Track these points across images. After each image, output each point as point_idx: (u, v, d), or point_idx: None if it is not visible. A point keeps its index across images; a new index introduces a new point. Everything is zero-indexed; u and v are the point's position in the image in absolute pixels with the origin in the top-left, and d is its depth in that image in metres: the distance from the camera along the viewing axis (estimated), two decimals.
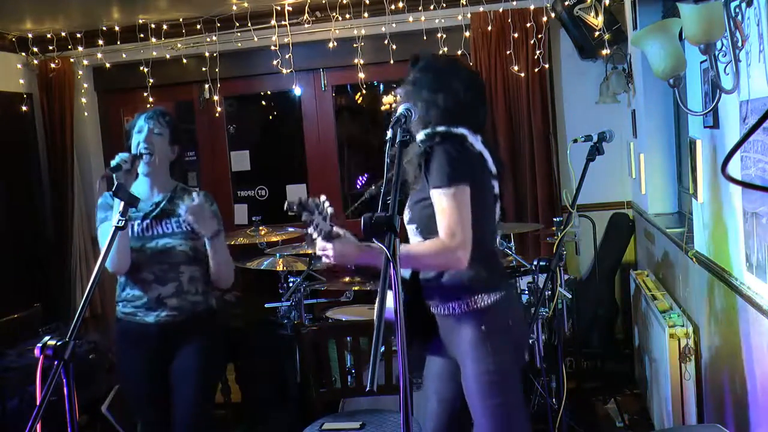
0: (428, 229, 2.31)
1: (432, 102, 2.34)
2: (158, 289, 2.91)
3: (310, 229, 2.20)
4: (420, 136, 2.31)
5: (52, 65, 5.74)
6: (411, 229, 2.41)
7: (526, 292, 4.02)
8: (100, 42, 5.61)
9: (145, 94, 5.71)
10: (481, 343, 2.30)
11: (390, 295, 2.38)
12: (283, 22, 5.40)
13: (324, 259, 2.25)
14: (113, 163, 2.78)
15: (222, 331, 3.19)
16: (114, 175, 2.73)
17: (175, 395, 2.94)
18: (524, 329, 2.54)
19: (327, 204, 2.17)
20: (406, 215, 2.41)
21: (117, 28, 5.56)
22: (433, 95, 2.34)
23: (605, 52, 4.75)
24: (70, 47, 5.70)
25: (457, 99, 2.36)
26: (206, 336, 3.01)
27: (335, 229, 2.20)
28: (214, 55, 5.58)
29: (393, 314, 2.36)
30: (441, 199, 2.22)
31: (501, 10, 5.18)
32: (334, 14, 5.31)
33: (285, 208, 2.24)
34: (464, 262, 2.21)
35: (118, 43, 5.64)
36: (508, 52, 5.17)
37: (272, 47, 5.45)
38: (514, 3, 5.18)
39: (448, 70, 2.42)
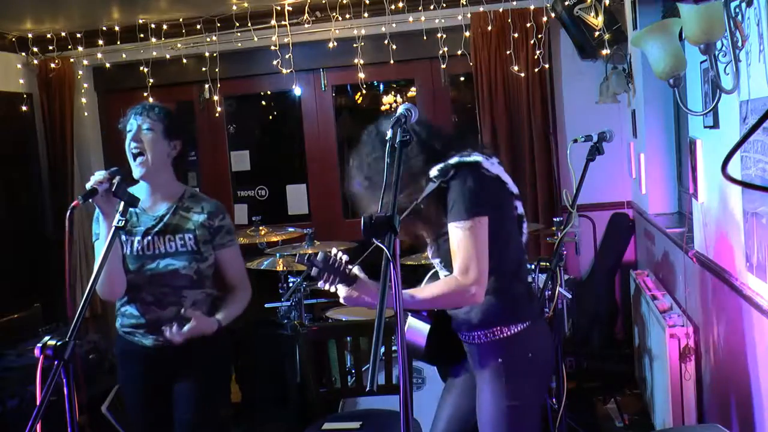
0: (451, 263, 2.25)
1: (431, 136, 2.26)
2: (157, 312, 2.66)
3: (320, 283, 2.12)
4: (433, 172, 2.21)
5: (52, 65, 5.75)
6: (436, 263, 2.37)
7: None
8: (100, 42, 5.62)
9: (145, 94, 5.71)
10: (498, 376, 2.25)
11: (411, 319, 2.37)
12: (283, 22, 5.40)
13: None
14: (88, 186, 2.36)
15: (227, 349, 2.90)
16: (91, 200, 2.36)
17: (176, 421, 2.75)
18: (549, 361, 2.42)
19: (340, 255, 2.09)
20: (431, 250, 2.37)
21: (117, 28, 5.56)
22: (430, 131, 2.27)
23: (605, 52, 4.75)
24: (70, 47, 5.70)
25: (447, 128, 2.33)
26: (208, 359, 2.74)
27: (353, 271, 2.13)
28: (214, 55, 5.58)
29: (416, 338, 2.36)
30: (456, 234, 2.16)
31: (501, 10, 5.18)
32: (334, 14, 5.31)
33: (296, 260, 2.19)
34: (479, 298, 2.16)
35: (118, 43, 5.64)
36: (508, 52, 5.17)
37: (272, 47, 5.45)
38: (514, 3, 5.18)
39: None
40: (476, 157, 2.22)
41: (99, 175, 2.38)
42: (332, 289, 2.15)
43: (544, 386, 2.41)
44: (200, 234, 2.70)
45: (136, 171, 2.65)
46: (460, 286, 2.14)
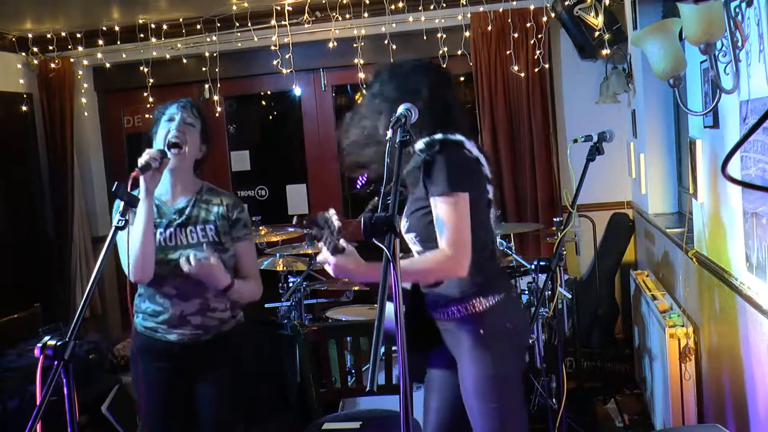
0: (428, 237, 2.29)
1: (421, 110, 2.22)
2: (180, 305, 2.67)
3: (320, 244, 2.14)
4: (419, 145, 2.26)
5: (52, 65, 5.75)
6: (410, 238, 2.38)
7: (526, 292, 4.01)
8: (100, 42, 5.62)
9: (145, 94, 5.72)
10: (479, 347, 2.29)
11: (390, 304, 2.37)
12: (283, 22, 5.40)
13: (326, 268, 2.23)
14: (141, 162, 2.51)
15: (251, 348, 2.95)
16: (141, 177, 2.50)
17: (202, 420, 2.76)
18: (525, 332, 2.51)
19: (335, 218, 2.12)
20: (404, 224, 2.38)
21: (117, 28, 5.56)
22: (420, 103, 2.22)
23: (605, 52, 4.75)
24: (70, 47, 5.70)
25: (443, 103, 2.33)
26: (234, 357, 2.80)
27: (341, 242, 2.15)
28: (214, 55, 5.58)
29: (392, 323, 2.36)
30: (442, 208, 2.20)
31: (501, 10, 5.18)
32: (334, 14, 5.31)
33: (294, 223, 2.20)
34: (465, 270, 2.20)
35: (118, 43, 5.64)
36: (508, 52, 5.17)
37: (272, 47, 5.45)
38: (514, 3, 5.19)
39: (416, 73, 2.36)
40: (459, 137, 2.30)
41: (152, 151, 2.56)
42: (326, 253, 2.14)
43: (523, 354, 2.46)
44: (221, 225, 2.75)
45: (172, 161, 2.66)
46: (449, 258, 2.19)
